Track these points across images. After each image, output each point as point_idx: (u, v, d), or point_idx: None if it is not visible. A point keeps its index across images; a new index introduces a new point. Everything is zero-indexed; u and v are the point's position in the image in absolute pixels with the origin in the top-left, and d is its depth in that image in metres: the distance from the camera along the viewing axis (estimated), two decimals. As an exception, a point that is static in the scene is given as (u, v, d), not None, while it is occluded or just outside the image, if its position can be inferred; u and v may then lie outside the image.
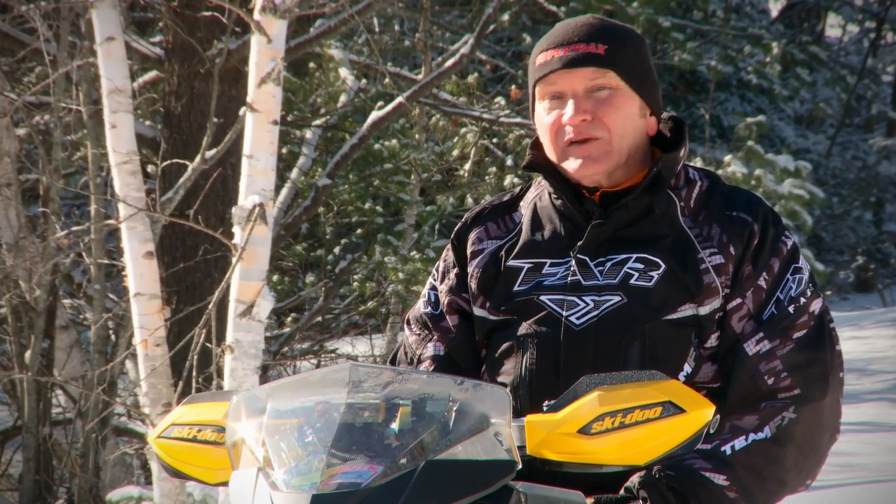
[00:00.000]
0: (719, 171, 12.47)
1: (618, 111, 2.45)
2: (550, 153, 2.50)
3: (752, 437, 2.32)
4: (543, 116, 2.48)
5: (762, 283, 2.42)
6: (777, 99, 22.31)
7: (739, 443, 2.31)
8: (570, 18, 2.55)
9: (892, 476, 7.89)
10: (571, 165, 2.46)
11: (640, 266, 2.42)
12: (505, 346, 2.47)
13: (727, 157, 13.01)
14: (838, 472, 7.86)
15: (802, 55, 22.43)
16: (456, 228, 2.65)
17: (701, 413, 2.03)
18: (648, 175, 2.44)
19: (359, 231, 12.46)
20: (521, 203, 2.62)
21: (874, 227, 24.56)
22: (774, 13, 25.47)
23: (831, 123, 24.70)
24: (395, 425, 2.02)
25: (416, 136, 10.97)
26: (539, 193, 2.59)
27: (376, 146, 11.05)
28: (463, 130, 10.89)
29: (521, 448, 2.08)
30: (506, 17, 13.53)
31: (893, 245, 24.13)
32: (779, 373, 2.36)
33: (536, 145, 2.56)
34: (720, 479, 2.28)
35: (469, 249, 2.59)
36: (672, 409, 2.02)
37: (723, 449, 2.31)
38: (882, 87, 26.18)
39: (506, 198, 2.65)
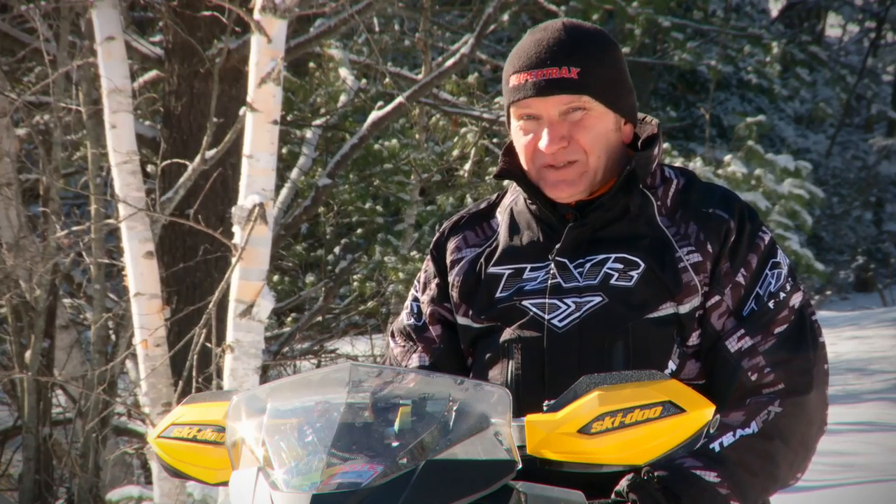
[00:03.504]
0: (719, 171, 12.47)
1: (592, 131, 2.44)
2: (527, 169, 2.50)
3: (739, 432, 2.32)
4: (520, 136, 2.48)
5: (740, 279, 2.42)
6: (777, 99, 22.33)
7: (727, 439, 2.32)
8: (540, 28, 2.49)
9: (892, 476, 7.89)
10: (547, 187, 2.46)
11: (620, 266, 2.42)
12: (490, 353, 2.48)
13: (727, 157, 13.02)
14: (838, 472, 7.86)
15: (802, 55, 22.45)
16: (434, 239, 2.65)
17: (701, 413, 2.03)
18: (622, 174, 2.44)
19: (359, 231, 12.47)
20: (498, 210, 2.62)
21: (874, 227, 24.58)
22: (774, 13, 25.48)
23: (831, 123, 24.72)
24: (395, 425, 2.02)
25: (416, 136, 10.98)
26: (515, 199, 2.59)
27: (376, 146, 11.06)
28: (463, 130, 10.89)
29: (521, 448, 2.08)
30: (506, 17, 13.54)
31: (893, 245, 24.14)
32: (762, 368, 2.37)
33: (509, 152, 2.55)
34: (711, 476, 2.28)
35: (448, 259, 2.59)
36: (672, 408, 2.02)
37: (711, 446, 2.31)
38: (882, 87, 26.19)
39: (482, 205, 2.66)
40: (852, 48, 26.76)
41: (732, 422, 2.33)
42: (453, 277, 2.56)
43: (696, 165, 12.56)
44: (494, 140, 11.22)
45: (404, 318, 2.65)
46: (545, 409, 2.09)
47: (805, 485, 7.60)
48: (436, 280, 2.61)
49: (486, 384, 2.12)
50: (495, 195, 2.66)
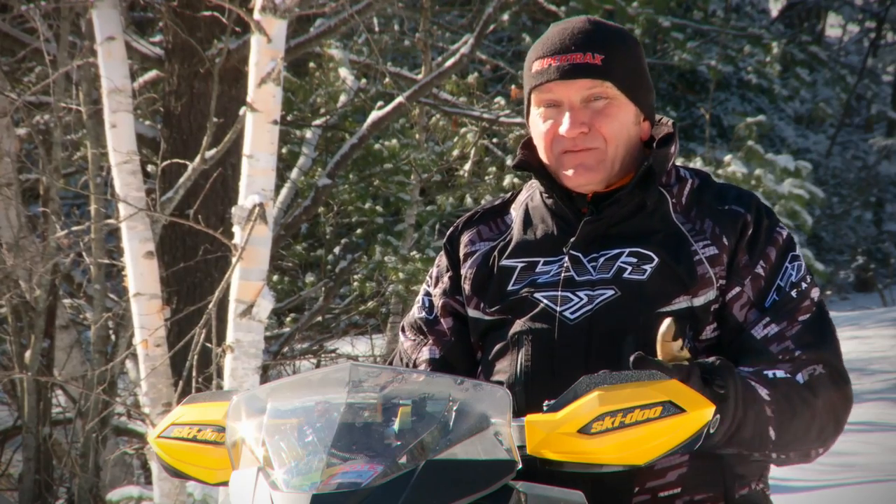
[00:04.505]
0: (719, 171, 12.47)
1: (614, 121, 2.45)
2: (545, 159, 2.51)
3: (788, 376, 2.32)
4: (539, 123, 2.49)
5: (760, 271, 2.42)
6: (777, 99, 22.31)
7: (780, 373, 2.32)
8: (564, 20, 2.55)
9: (892, 476, 7.89)
10: (566, 174, 2.47)
11: (633, 260, 2.42)
12: (500, 344, 2.47)
13: (727, 157, 13.01)
14: (838, 472, 7.86)
15: (802, 55, 22.44)
16: (448, 233, 2.66)
17: (701, 413, 2.03)
18: (640, 170, 2.45)
19: (359, 231, 12.46)
20: (512, 206, 2.63)
21: (874, 227, 24.57)
22: (774, 13, 25.48)
23: (831, 123, 24.71)
24: (395, 425, 2.02)
25: (416, 136, 10.98)
26: (530, 195, 2.61)
27: (376, 146, 11.06)
28: (463, 130, 10.89)
29: (521, 448, 2.08)
30: (506, 17, 13.53)
31: (893, 245, 24.13)
32: (792, 351, 2.36)
33: (527, 145, 2.57)
34: (764, 392, 2.28)
35: (462, 252, 2.60)
36: (672, 408, 2.02)
37: (766, 372, 2.31)
38: (882, 87, 26.19)
39: (497, 202, 2.67)
40: (852, 48, 26.75)
41: (781, 369, 2.33)
42: (466, 270, 2.57)
43: (697, 165, 12.55)
44: (494, 140, 11.22)
45: (415, 312, 2.65)
46: (545, 409, 2.09)
47: (805, 485, 7.60)
48: (448, 273, 2.61)
49: (486, 384, 2.12)
50: (509, 193, 2.68)
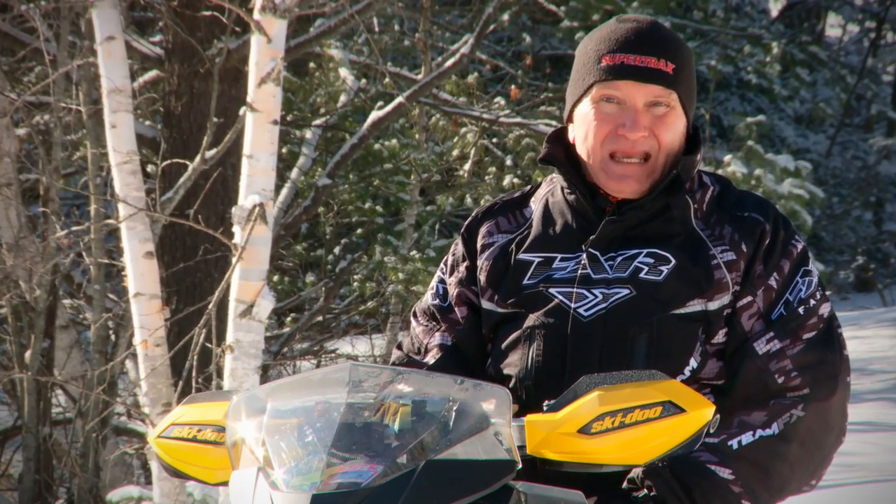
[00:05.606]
0: (719, 171, 12.47)
1: (670, 129, 2.46)
2: (587, 156, 2.49)
3: (759, 433, 2.33)
4: (592, 117, 2.47)
5: (773, 283, 2.43)
6: (777, 99, 22.30)
7: (746, 438, 2.33)
8: (629, 17, 2.52)
9: (892, 476, 7.89)
10: (609, 179, 2.46)
11: (651, 261, 2.43)
12: (511, 337, 2.48)
13: (727, 157, 13.01)
14: (838, 472, 7.85)
15: (802, 55, 22.43)
16: (466, 222, 2.66)
17: (701, 413, 2.03)
18: (667, 177, 2.45)
19: (359, 231, 12.46)
20: (532, 199, 2.63)
21: (874, 227, 24.55)
22: (774, 13, 25.46)
23: (831, 123, 24.70)
24: (395, 425, 2.02)
25: (416, 136, 10.97)
26: (551, 189, 2.60)
27: (376, 146, 11.05)
28: (463, 130, 10.88)
29: (521, 448, 2.08)
30: (506, 17, 13.53)
31: (893, 245, 24.12)
32: (788, 372, 2.37)
33: (554, 139, 2.56)
34: (725, 473, 2.29)
35: (479, 243, 2.60)
36: (672, 408, 2.03)
37: (730, 443, 2.32)
38: (882, 87, 26.17)
39: (516, 194, 2.67)
40: (852, 48, 26.74)
41: (754, 421, 2.34)
42: (482, 261, 2.57)
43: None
44: (494, 140, 11.22)
45: (429, 299, 2.65)
46: (545, 409, 2.09)
47: (805, 485, 7.59)
48: (465, 263, 2.61)
49: (485, 384, 2.12)
50: (529, 186, 2.68)
